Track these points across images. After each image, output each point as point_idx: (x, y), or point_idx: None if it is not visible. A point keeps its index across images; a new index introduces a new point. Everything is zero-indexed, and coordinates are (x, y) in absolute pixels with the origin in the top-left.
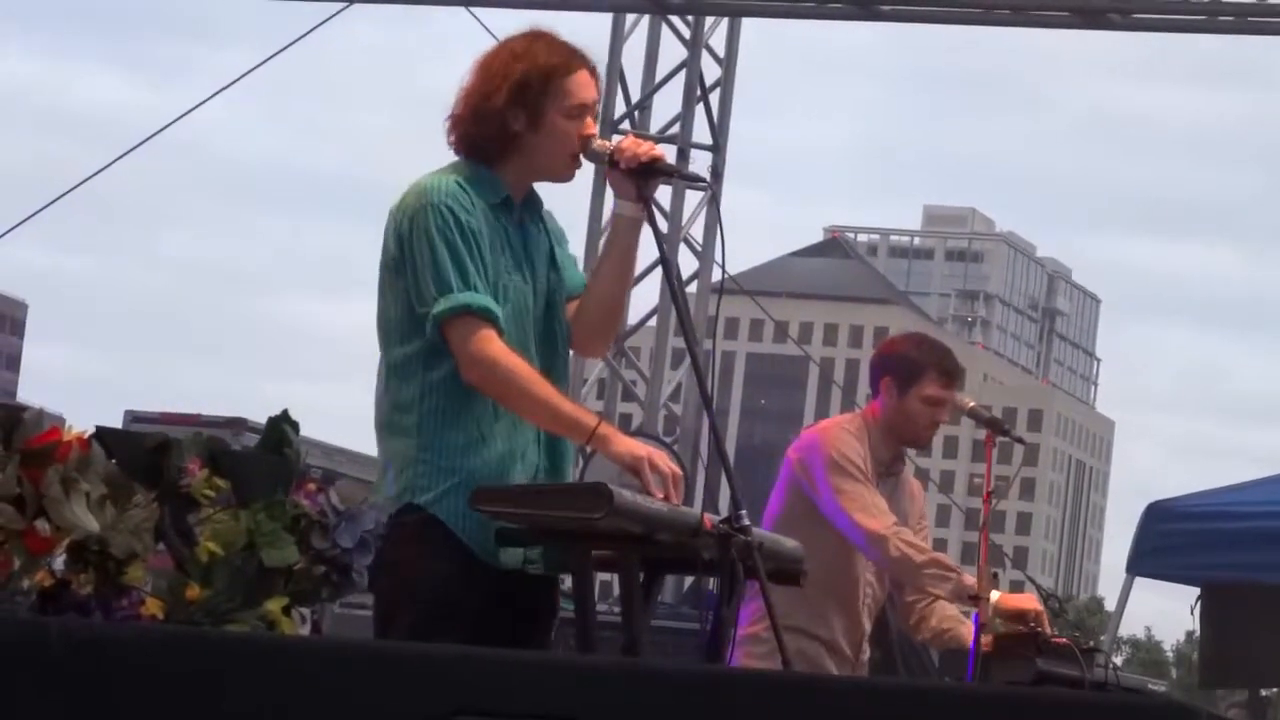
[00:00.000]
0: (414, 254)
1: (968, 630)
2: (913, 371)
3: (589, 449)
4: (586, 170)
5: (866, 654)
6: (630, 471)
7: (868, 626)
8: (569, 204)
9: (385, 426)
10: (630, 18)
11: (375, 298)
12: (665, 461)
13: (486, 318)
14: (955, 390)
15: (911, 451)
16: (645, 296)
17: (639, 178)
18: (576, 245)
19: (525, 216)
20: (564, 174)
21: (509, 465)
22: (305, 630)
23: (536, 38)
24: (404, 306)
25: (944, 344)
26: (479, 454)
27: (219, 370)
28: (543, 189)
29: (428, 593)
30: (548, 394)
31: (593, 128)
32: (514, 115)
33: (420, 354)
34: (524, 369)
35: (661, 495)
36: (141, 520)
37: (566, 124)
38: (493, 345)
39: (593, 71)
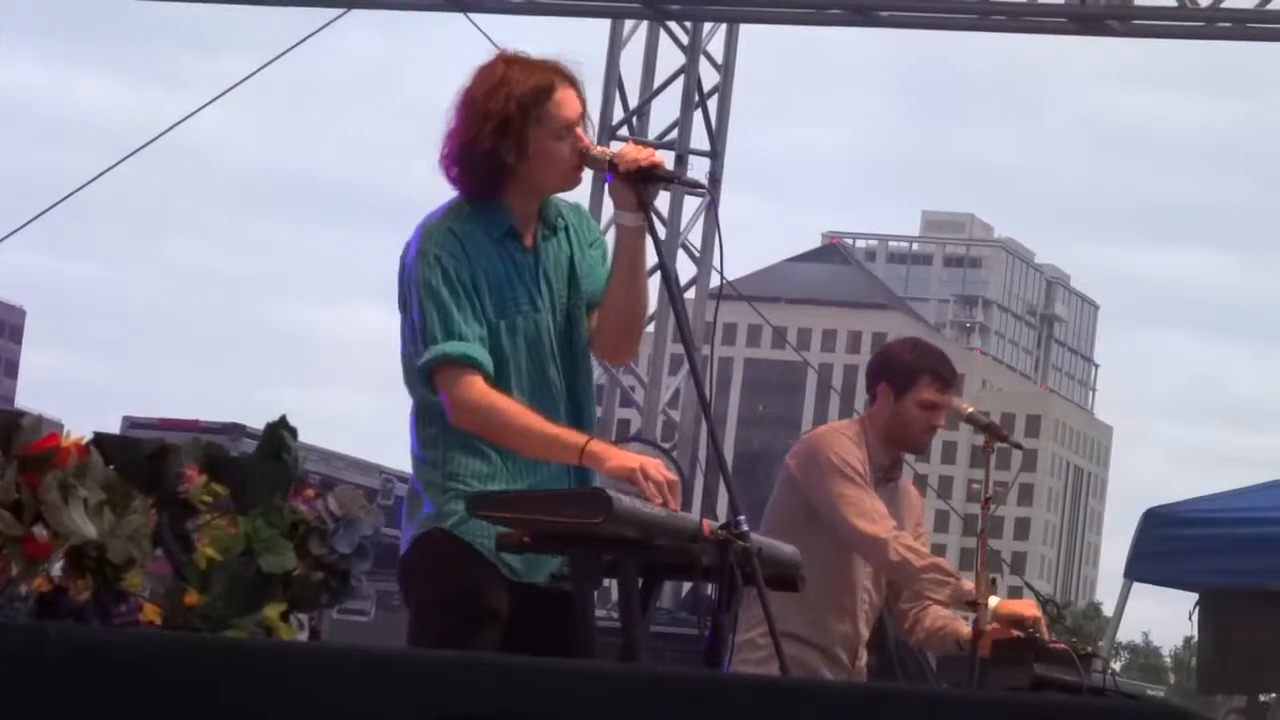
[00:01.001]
0: (408, 306)
1: (963, 625)
2: (908, 376)
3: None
4: (586, 172)
5: (864, 660)
6: (625, 483)
7: (865, 633)
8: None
9: (418, 459)
10: (629, 24)
11: (374, 303)
12: (658, 469)
13: (467, 364)
14: (951, 395)
15: (910, 457)
16: None
17: (638, 184)
18: None
19: (541, 233)
20: (567, 187)
21: (540, 480)
22: (303, 636)
23: (509, 64)
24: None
25: (939, 349)
26: (502, 480)
27: (217, 376)
28: None
29: (455, 603)
30: (530, 422)
31: (586, 139)
32: (503, 149)
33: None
34: (503, 405)
35: (660, 501)
36: (139, 526)
37: (557, 145)
38: (472, 390)
39: (573, 83)
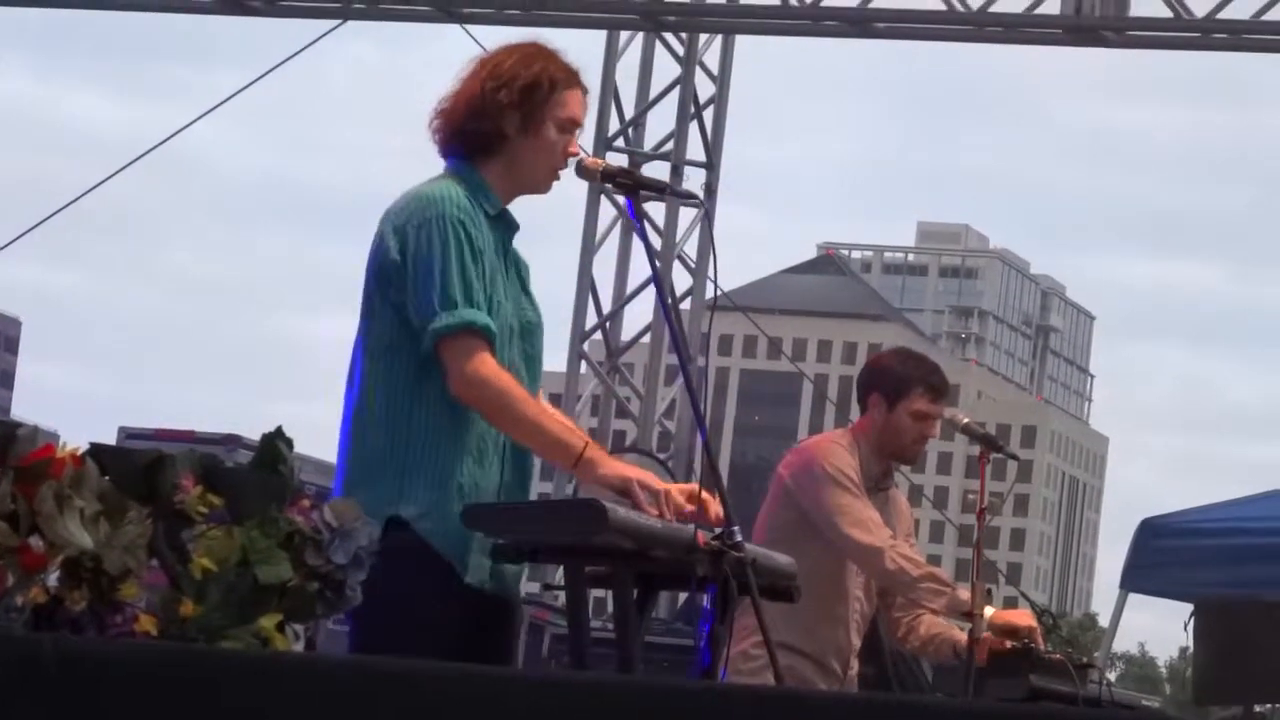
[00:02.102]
0: (419, 264)
1: (959, 632)
2: (900, 387)
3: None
4: (581, 182)
5: (855, 669)
6: (620, 494)
7: (857, 642)
8: (563, 212)
9: (367, 444)
10: (624, 35)
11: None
12: (654, 480)
13: (485, 337)
14: (943, 405)
15: (906, 467)
16: (639, 314)
17: (630, 192)
18: (571, 254)
19: (505, 235)
20: (543, 187)
21: (485, 481)
22: (299, 647)
23: (540, 49)
24: (398, 320)
25: (931, 359)
26: (461, 472)
27: (213, 387)
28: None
29: (408, 613)
30: (538, 415)
31: (576, 147)
32: (512, 116)
33: (406, 373)
34: (517, 389)
35: (656, 513)
36: (135, 537)
37: (557, 136)
38: (487, 365)
39: (586, 94)
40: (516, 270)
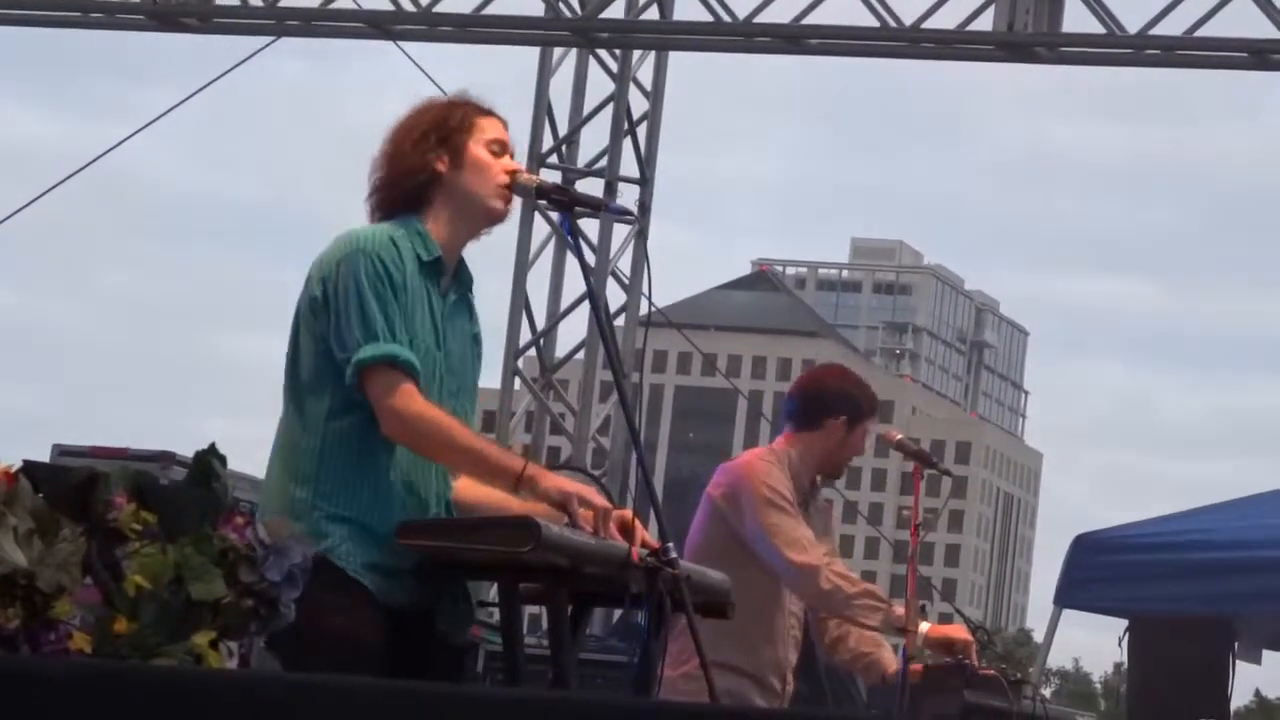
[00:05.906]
0: (340, 299)
1: (888, 656)
2: (861, 408)
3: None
4: (515, 199)
5: (791, 686)
6: (559, 508)
7: (793, 658)
8: (496, 229)
9: (285, 472)
10: (558, 51)
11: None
12: (594, 496)
13: (409, 372)
14: (873, 423)
15: (840, 484)
16: (573, 330)
17: (565, 209)
18: (504, 275)
19: (452, 289)
20: (496, 208)
21: (409, 512)
22: (233, 664)
23: (444, 98)
24: (318, 356)
25: (859, 376)
26: (378, 503)
27: (147, 404)
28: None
29: (330, 642)
30: (471, 443)
31: (517, 165)
32: (436, 154)
33: (328, 405)
34: (446, 421)
35: (592, 530)
36: (69, 554)
37: (489, 156)
38: (415, 400)
39: (504, 124)
40: (470, 329)
